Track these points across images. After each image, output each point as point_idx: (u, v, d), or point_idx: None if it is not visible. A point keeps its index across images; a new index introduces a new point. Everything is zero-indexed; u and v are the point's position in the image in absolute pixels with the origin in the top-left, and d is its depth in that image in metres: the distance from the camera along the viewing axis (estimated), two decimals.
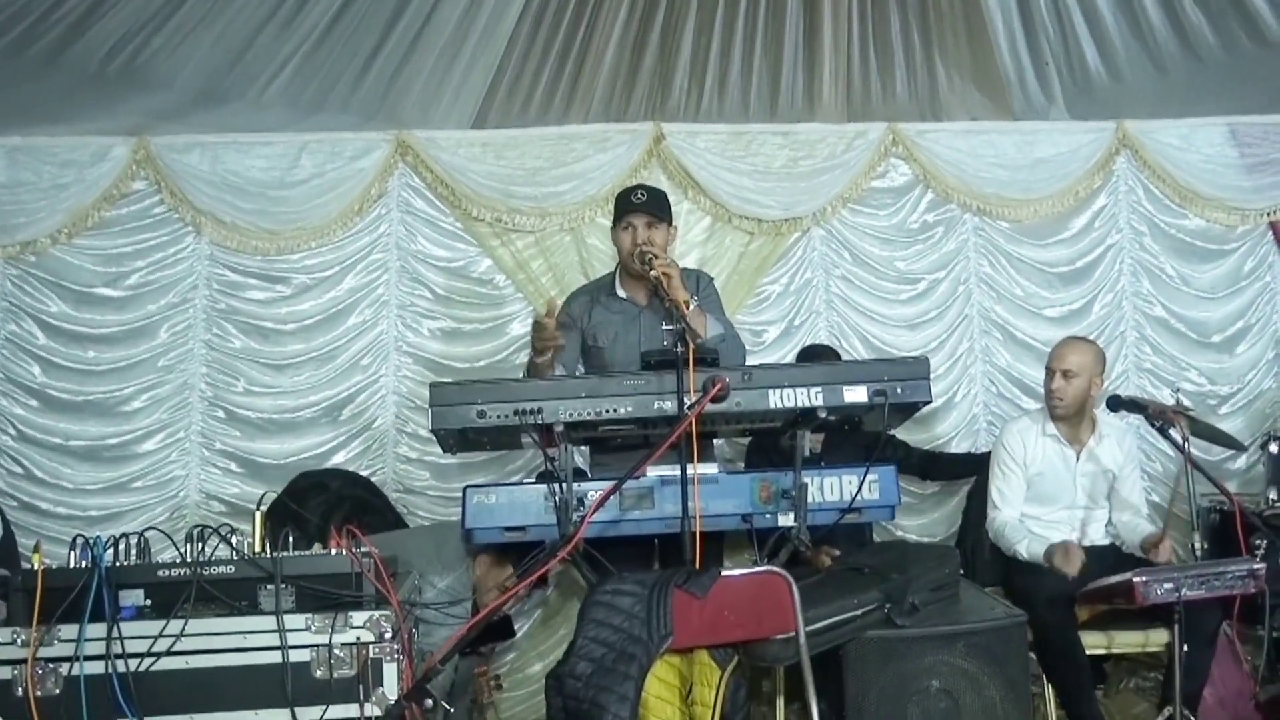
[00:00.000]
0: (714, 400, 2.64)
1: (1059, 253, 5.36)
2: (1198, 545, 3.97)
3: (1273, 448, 4.22)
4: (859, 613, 3.00)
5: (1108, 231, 5.38)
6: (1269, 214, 5.34)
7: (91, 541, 2.74)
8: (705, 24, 4.62)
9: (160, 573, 2.76)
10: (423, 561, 3.49)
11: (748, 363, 3.59)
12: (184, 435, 4.98)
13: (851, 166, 5.24)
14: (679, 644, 2.64)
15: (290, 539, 2.85)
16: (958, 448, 5.16)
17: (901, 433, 4.85)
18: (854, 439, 4.10)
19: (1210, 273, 5.38)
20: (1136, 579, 3.31)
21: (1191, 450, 3.89)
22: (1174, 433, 3.87)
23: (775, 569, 2.75)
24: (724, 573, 2.72)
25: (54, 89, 4.46)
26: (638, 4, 4.51)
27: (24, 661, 2.62)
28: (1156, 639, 3.71)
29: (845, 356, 5.00)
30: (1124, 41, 4.71)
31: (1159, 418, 3.89)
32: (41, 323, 4.96)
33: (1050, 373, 4.10)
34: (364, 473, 4.91)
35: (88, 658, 2.62)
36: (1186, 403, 4.29)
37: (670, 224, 3.76)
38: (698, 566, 2.72)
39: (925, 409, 4.79)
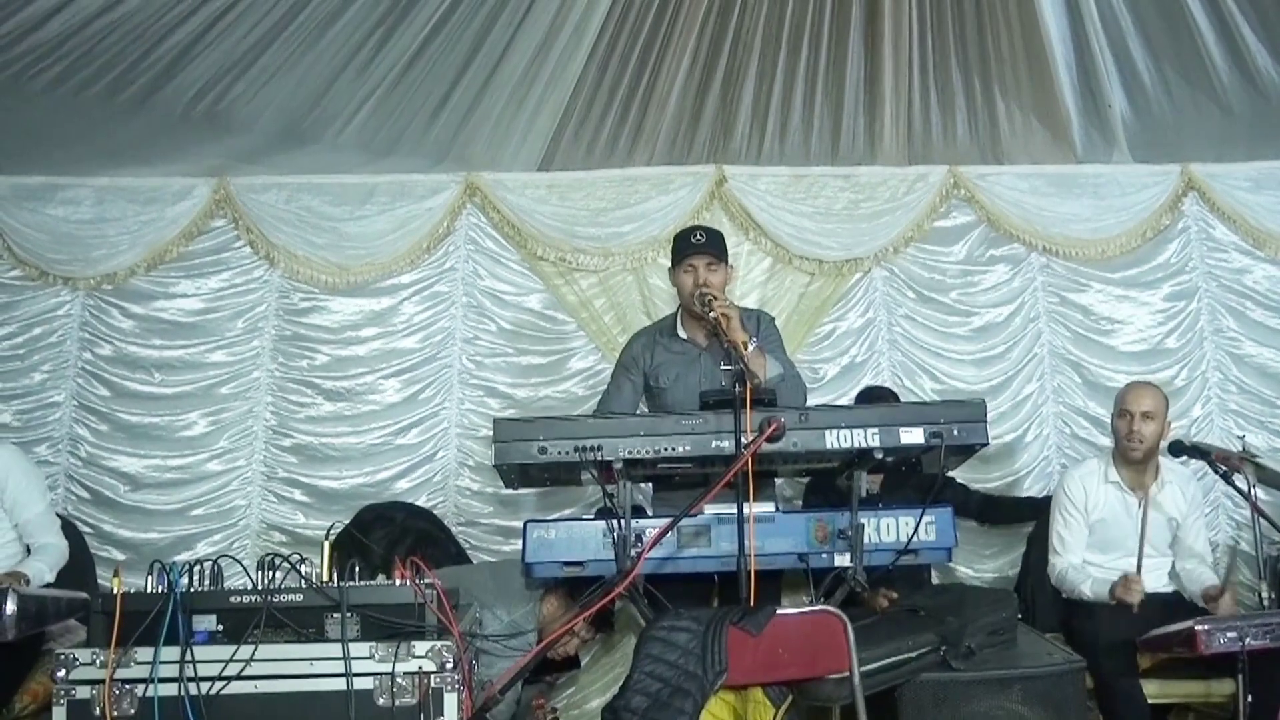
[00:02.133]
0: (769, 440, 2.69)
1: (1132, 290, 5.33)
2: (1265, 594, 3.91)
3: None
4: (914, 654, 3.00)
5: (1180, 269, 5.34)
6: None
7: (168, 567, 2.84)
8: (767, 69, 4.69)
9: (232, 599, 2.85)
10: (485, 597, 3.56)
11: (808, 402, 3.62)
12: (246, 464, 5.12)
13: (913, 208, 5.28)
14: (734, 681, 2.68)
15: (356, 569, 2.93)
16: (1031, 489, 5.12)
17: (971, 473, 4.85)
18: (912, 480, 4.10)
19: None
20: (1199, 627, 3.27)
21: (1260, 496, 3.85)
22: (1238, 479, 3.82)
23: (830, 608, 2.77)
24: (779, 611, 2.75)
25: (142, 132, 4.67)
26: (701, 49, 4.60)
27: (102, 682, 2.71)
28: (1220, 689, 3.65)
29: (910, 396, 5.03)
30: (1188, 85, 4.69)
31: (1223, 463, 3.84)
32: (117, 350, 5.16)
33: (1128, 415, 4.02)
34: (425, 505, 5.01)
35: (162, 680, 2.70)
36: (1254, 449, 4.22)
37: (728, 263, 3.83)
38: (754, 605, 2.75)
39: (995, 449, 4.87)
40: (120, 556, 4.90)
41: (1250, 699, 3.31)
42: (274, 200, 5.21)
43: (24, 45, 3.92)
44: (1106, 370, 5.21)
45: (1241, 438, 4.55)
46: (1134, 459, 4.04)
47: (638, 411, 3.91)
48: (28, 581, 3.55)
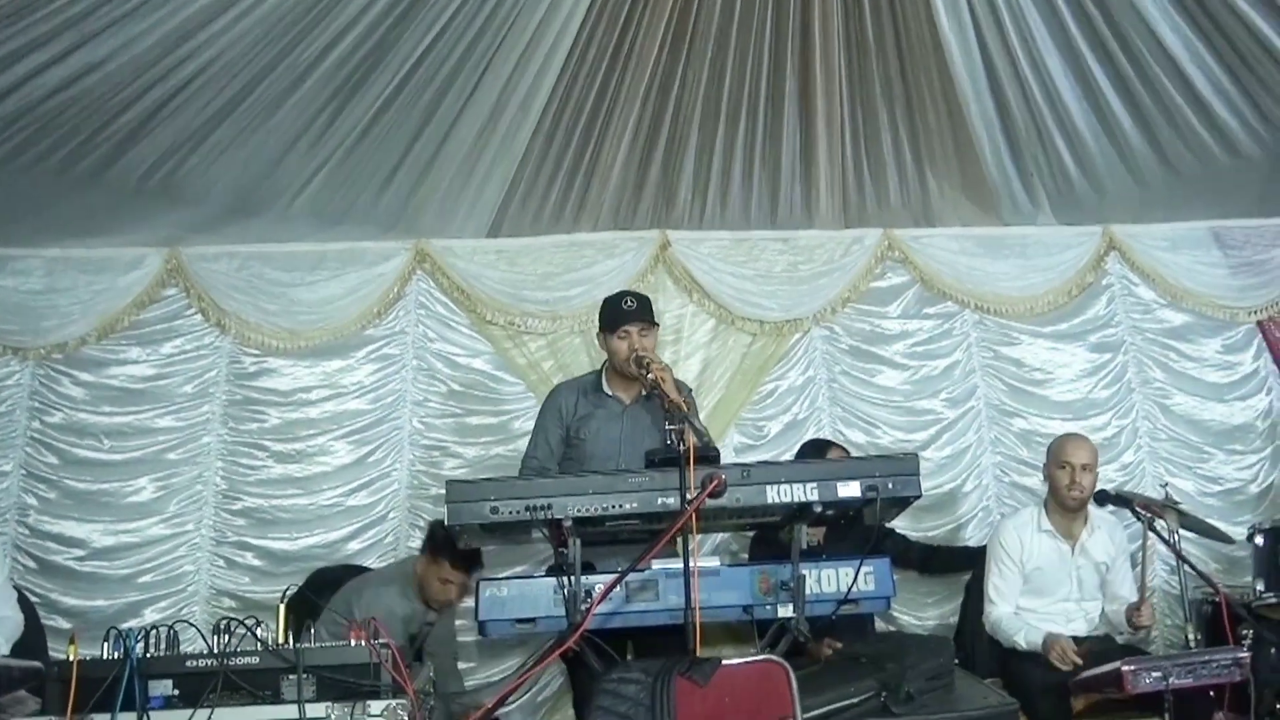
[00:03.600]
0: (712, 496, 2.78)
1: (1063, 342, 5.57)
2: (1191, 636, 4.08)
3: (1258, 540, 4.33)
4: (855, 700, 3.10)
5: (1107, 324, 5.59)
6: (1254, 313, 5.55)
7: (124, 634, 2.87)
8: (708, 139, 4.89)
9: (188, 664, 2.86)
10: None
11: (748, 460, 3.72)
12: (194, 529, 5.11)
13: (850, 270, 5.49)
14: None
15: (312, 631, 2.99)
16: (971, 537, 5.27)
17: (914, 522, 5.03)
18: (854, 532, 4.21)
19: (1216, 359, 5.58)
20: (1125, 667, 3.42)
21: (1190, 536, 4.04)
22: (1160, 526, 4.00)
23: (774, 657, 2.86)
24: (725, 661, 2.83)
25: (95, 204, 4.73)
26: (644, 121, 4.78)
27: None
28: None
29: (851, 450, 5.14)
30: (1103, 155, 4.95)
31: (1145, 510, 4.02)
32: (67, 418, 5.15)
33: (1069, 466, 4.19)
34: (376, 567, 5.00)
35: None
36: (1175, 497, 4.41)
37: (656, 325, 3.96)
38: (665, 659, 2.83)
39: (936, 499, 5.10)
40: (65, 625, 4.84)
41: None
42: (225, 269, 5.29)
43: None
44: (1040, 419, 5.42)
45: (1164, 486, 4.74)
46: (1073, 507, 4.21)
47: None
48: None
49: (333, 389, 5.31)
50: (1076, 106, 4.65)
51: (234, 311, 5.24)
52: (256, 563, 5.09)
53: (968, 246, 5.57)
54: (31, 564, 5.01)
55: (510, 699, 3.60)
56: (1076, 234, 5.62)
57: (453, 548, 4.05)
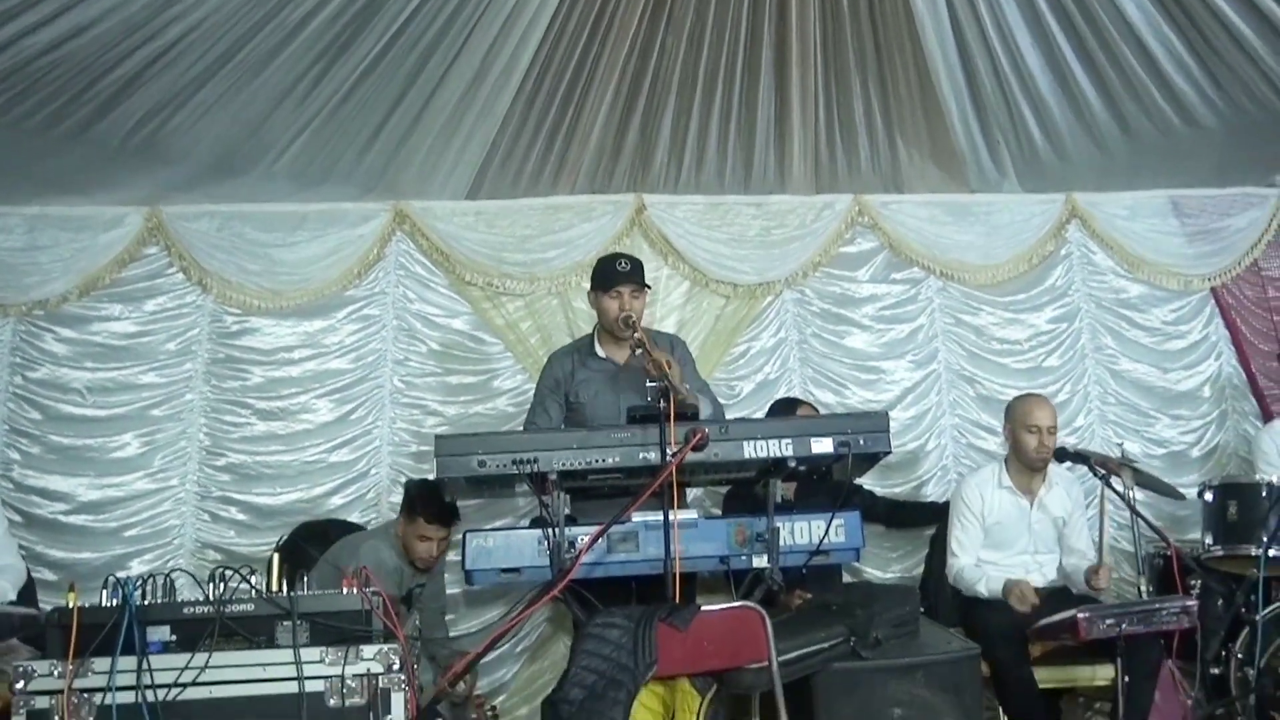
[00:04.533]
0: (694, 450, 2.91)
1: (1020, 312, 5.74)
2: (1143, 588, 4.28)
3: (1207, 496, 4.51)
4: (826, 645, 3.23)
5: (1064, 293, 5.76)
6: (1209, 279, 5.74)
7: (122, 582, 2.97)
8: (684, 105, 4.97)
9: (185, 610, 2.96)
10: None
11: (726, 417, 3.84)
12: (179, 484, 5.19)
13: (820, 235, 5.61)
14: (663, 672, 2.88)
15: (305, 579, 3.10)
16: (931, 494, 5.46)
17: (878, 480, 5.20)
18: (823, 488, 4.36)
19: (1165, 328, 5.78)
20: (1080, 615, 3.61)
21: (1137, 498, 4.23)
22: (1116, 482, 4.18)
23: (750, 604, 3.00)
24: (704, 607, 2.98)
25: (77, 163, 4.75)
26: (623, 87, 4.85)
27: (61, 692, 2.80)
28: (1103, 674, 3.98)
29: (820, 409, 5.30)
30: (1067, 124, 5.09)
31: (1102, 467, 4.20)
32: (50, 373, 5.21)
33: (1038, 430, 4.31)
34: (358, 520, 5.13)
35: (119, 688, 2.81)
36: (1131, 455, 4.59)
37: (648, 288, 4.06)
38: (647, 605, 2.96)
39: (899, 458, 5.25)
40: (52, 577, 4.93)
41: (1127, 679, 3.67)
42: (206, 228, 5.32)
43: None
44: (998, 385, 5.59)
45: (1120, 445, 4.92)
46: (1039, 468, 4.37)
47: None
48: None
49: (314, 348, 5.37)
50: (1042, 77, 4.78)
51: (215, 271, 5.28)
52: (241, 517, 5.18)
53: (935, 214, 5.71)
54: (17, 518, 5.04)
55: (497, 644, 3.71)
56: (1040, 201, 5.76)
57: (425, 504, 4.16)
